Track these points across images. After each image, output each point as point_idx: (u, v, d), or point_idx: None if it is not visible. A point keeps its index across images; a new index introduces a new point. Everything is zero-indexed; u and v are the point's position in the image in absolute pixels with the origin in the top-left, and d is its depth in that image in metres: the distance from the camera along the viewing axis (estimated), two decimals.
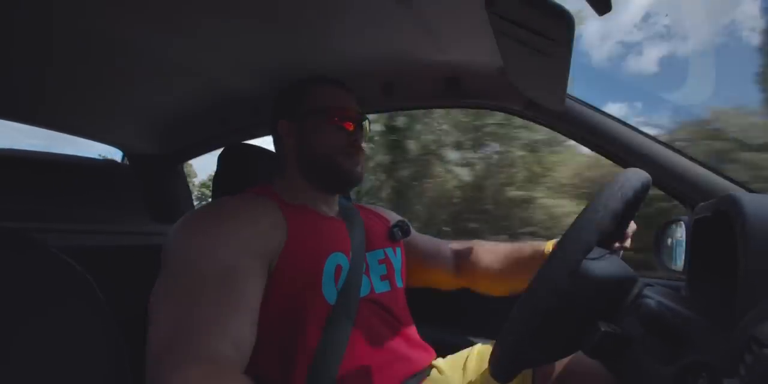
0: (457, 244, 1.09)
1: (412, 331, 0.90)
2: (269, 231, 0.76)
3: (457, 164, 5.91)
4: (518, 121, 3.71)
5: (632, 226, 0.76)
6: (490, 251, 1.03)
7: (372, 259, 0.90)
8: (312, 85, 0.92)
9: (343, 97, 0.92)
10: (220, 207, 0.78)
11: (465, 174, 5.78)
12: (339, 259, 0.81)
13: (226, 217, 0.74)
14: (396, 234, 0.97)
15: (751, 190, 0.82)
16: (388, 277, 0.91)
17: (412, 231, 1.03)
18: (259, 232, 0.74)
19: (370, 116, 0.98)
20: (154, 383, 0.57)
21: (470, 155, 5.87)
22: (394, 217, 1.08)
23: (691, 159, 0.89)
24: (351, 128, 0.89)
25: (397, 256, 0.96)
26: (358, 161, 0.89)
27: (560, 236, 0.55)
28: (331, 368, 0.73)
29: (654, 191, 0.66)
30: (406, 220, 1.03)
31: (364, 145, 0.92)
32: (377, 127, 6.07)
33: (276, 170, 0.95)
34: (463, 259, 1.05)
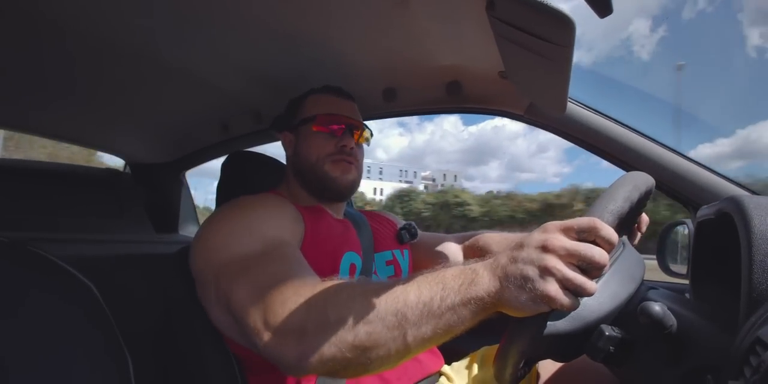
0: (465, 237, 1.07)
1: None
2: (292, 223, 0.77)
3: None
4: None
5: (645, 218, 0.76)
6: (498, 240, 1.00)
7: (380, 260, 0.90)
8: (308, 95, 0.93)
9: (334, 103, 0.91)
10: (244, 200, 0.78)
11: None
12: (353, 258, 0.82)
13: (257, 206, 0.75)
14: (403, 236, 0.98)
15: (754, 192, 0.82)
16: (395, 277, 0.91)
17: (419, 232, 1.03)
18: (285, 221, 0.76)
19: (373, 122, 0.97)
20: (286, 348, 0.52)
21: None
22: (400, 221, 1.08)
23: (693, 162, 0.89)
24: (339, 134, 0.88)
25: (404, 258, 0.96)
26: (347, 168, 0.88)
27: None
28: None
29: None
30: (413, 223, 1.03)
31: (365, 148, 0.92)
32: None
33: (280, 179, 0.96)
34: (472, 250, 1.04)
